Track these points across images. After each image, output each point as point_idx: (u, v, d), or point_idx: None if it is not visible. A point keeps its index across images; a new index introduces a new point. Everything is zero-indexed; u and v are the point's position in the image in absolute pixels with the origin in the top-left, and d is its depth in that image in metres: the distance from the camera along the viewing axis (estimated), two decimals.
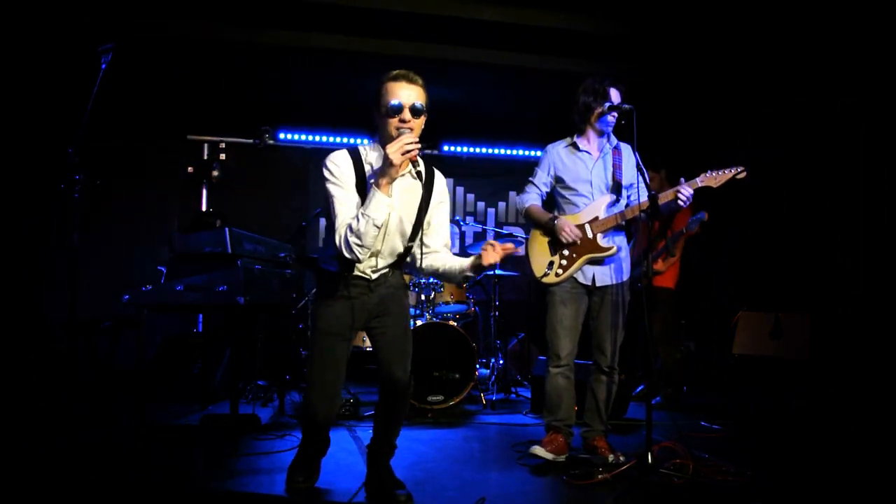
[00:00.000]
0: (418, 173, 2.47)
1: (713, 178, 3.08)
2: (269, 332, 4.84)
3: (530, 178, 3.36)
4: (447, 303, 4.67)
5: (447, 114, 6.46)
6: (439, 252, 2.61)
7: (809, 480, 2.96)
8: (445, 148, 6.56)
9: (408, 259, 2.59)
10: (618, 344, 3.18)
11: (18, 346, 4.19)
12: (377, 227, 2.31)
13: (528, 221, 3.37)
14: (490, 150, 6.73)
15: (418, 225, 2.52)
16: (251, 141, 6.15)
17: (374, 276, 2.52)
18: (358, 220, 2.32)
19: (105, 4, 4.46)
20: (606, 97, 3.12)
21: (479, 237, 6.74)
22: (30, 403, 3.85)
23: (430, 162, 2.62)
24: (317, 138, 6.34)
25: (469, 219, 6.64)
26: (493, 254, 2.36)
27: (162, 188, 6.03)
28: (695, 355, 5.60)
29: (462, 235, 6.63)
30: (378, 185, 2.30)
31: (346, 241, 2.33)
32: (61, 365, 4.03)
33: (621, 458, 3.02)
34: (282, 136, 6.26)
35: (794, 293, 4.93)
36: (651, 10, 4.74)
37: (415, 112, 2.37)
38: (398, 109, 2.35)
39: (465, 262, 2.49)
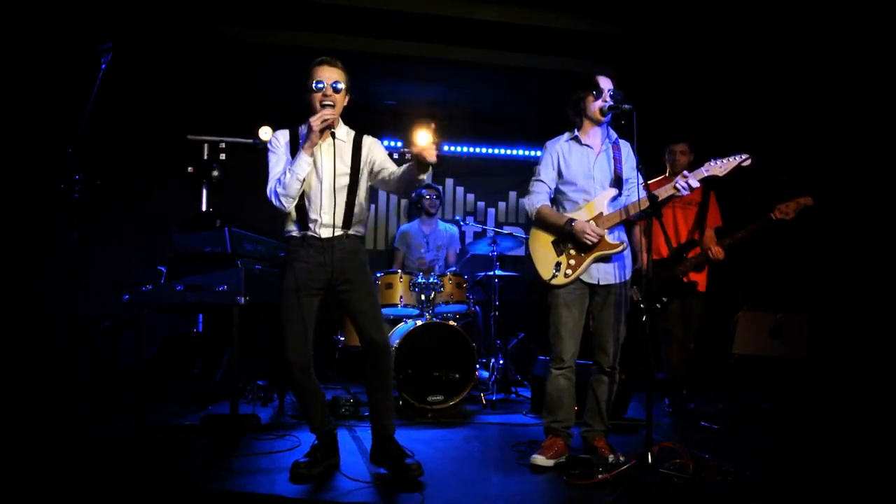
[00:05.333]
0: (354, 132, 2.97)
1: (718, 168, 3.04)
2: (269, 331, 4.83)
3: (536, 178, 3.25)
4: (447, 303, 4.67)
5: (447, 114, 6.48)
6: (389, 168, 2.97)
7: (809, 480, 2.96)
8: (445, 148, 6.55)
9: (354, 219, 2.93)
10: (619, 343, 3.16)
11: (19, 345, 4.19)
12: (299, 180, 2.79)
13: (539, 224, 3.24)
14: (490, 150, 6.73)
15: (354, 183, 2.93)
16: (251, 141, 6.15)
17: (326, 235, 2.88)
18: (285, 174, 2.80)
19: (105, 4, 4.46)
20: (595, 84, 3.11)
21: (479, 237, 6.74)
22: (30, 403, 3.85)
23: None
24: None
25: (469, 219, 6.64)
26: (421, 143, 2.59)
27: (162, 188, 6.03)
28: (695, 355, 5.59)
29: (462, 235, 6.62)
30: (303, 149, 2.79)
31: (274, 192, 2.82)
32: (61, 364, 4.03)
33: (621, 459, 3.01)
34: None
35: (793, 293, 4.92)
36: (651, 10, 4.74)
37: (335, 89, 2.83)
38: (321, 84, 2.81)
39: (406, 166, 2.77)
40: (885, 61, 4.44)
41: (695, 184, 3.00)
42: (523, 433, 3.77)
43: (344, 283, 2.89)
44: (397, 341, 4.27)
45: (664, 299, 4.07)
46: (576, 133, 3.23)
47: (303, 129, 2.95)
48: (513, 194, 6.84)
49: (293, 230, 2.92)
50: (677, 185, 3.02)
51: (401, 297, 4.58)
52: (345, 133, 2.96)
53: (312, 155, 2.82)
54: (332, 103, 2.81)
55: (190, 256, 3.71)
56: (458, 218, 6.53)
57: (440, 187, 5.90)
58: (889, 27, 4.20)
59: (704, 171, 3.06)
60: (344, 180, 2.91)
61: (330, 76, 2.83)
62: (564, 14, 4.82)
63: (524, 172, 3.42)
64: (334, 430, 3.01)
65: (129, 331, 3.80)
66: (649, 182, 4.07)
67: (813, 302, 4.65)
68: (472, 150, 6.69)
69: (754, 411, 4.39)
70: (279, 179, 2.82)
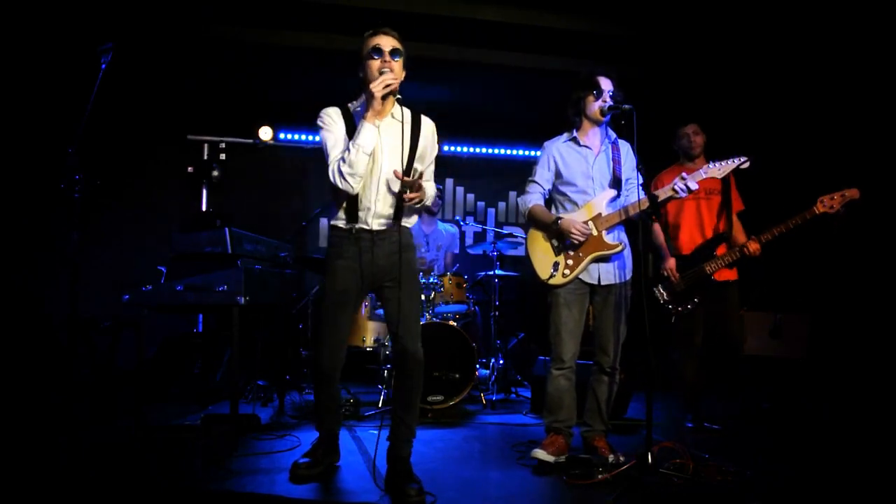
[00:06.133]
0: (410, 113, 2.71)
1: (717, 170, 3.07)
2: (269, 332, 4.84)
3: (531, 178, 3.29)
4: (447, 303, 4.67)
5: (447, 114, 6.46)
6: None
7: (809, 480, 2.96)
8: (445, 148, 6.56)
9: (406, 210, 2.72)
10: (620, 343, 3.16)
11: (19, 345, 4.18)
12: (366, 154, 2.55)
13: (531, 223, 3.29)
14: (490, 150, 6.74)
15: (409, 166, 2.69)
16: (251, 141, 6.15)
17: (378, 227, 2.68)
18: (349, 150, 2.55)
19: (105, 4, 4.46)
20: (595, 84, 3.11)
21: (480, 237, 6.74)
22: (30, 403, 3.85)
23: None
24: (317, 138, 6.29)
25: (469, 219, 6.64)
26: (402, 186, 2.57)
27: (162, 188, 6.04)
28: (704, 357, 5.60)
29: (462, 235, 6.63)
30: (365, 119, 2.56)
31: (339, 171, 2.57)
32: (61, 364, 4.03)
33: (621, 459, 3.01)
34: (282, 136, 6.26)
35: (793, 293, 4.92)
36: (651, 10, 4.74)
37: (394, 53, 2.61)
38: (379, 52, 2.59)
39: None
40: (872, 62, 4.44)
41: (693, 186, 3.01)
42: (523, 433, 3.77)
43: (390, 280, 2.71)
44: None
45: (696, 300, 3.81)
46: (574, 134, 3.23)
47: (354, 105, 2.76)
48: (513, 194, 6.85)
49: (340, 221, 2.72)
50: (676, 188, 3.02)
51: None
52: (401, 112, 2.70)
53: (377, 125, 2.58)
54: (391, 69, 2.58)
55: (190, 256, 3.71)
56: (457, 218, 6.53)
57: (441, 187, 5.91)
58: (886, 25, 4.20)
59: (703, 174, 3.08)
60: (398, 164, 2.65)
61: (388, 43, 2.61)
62: (564, 14, 4.82)
63: (524, 172, 3.41)
64: (338, 428, 3.01)
65: (129, 331, 3.80)
66: (663, 173, 3.94)
67: (813, 302, 4.65)
68: (472, 150, 6.70)
69: (754, 411, 4.39)
70: (342, 158, 2.57)
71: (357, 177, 2.57)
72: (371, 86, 2.53)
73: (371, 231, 2.69)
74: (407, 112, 2.71)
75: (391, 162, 2.65)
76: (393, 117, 2.70)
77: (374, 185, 2.65)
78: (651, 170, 3.05)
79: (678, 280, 3.83)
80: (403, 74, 2.67)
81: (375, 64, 2.59)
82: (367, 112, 2.56)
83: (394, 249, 2.68)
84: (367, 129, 2.55)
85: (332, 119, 2.69)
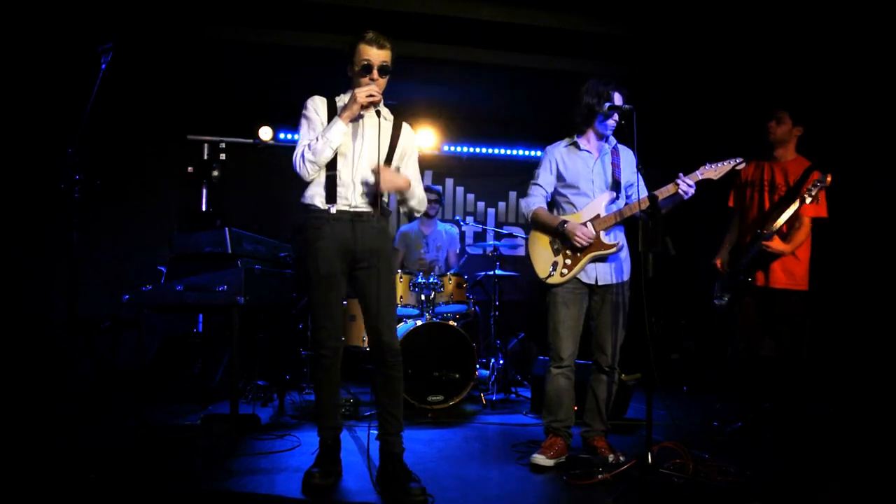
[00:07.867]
0: (393, 116, 2.87)
1: (713, 171, 3.09)
2: (269, 332, 4.84)
3: (533, 181, 3.33)
4: (447, 303, 4.67)
5: (447, 114, 6.48)
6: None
7: (810, 480, 2.96)
8: (445, 148, 6.55)
9: (384, 197, 2.82)
10: (619, 343, 3.18)
11: (19, 345, 4.19)
12: (332, 148, 2.67)
13: (535, 225, 3.32)
14: (490, 150, 6.73)
15: (388, 159, 2.82)
16: (251, 141, 6.15)
17: (356, 208, 2.74)
18: (317, 139, 2.68)
19: (105, 4, 4.46)
20: (611, 100, 3.14)
21: (479, 237, 6.74)
22: (30, 403, 3.85)
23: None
24: None
25: (469, 219, 6.64)
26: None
27: (162, 188, 6.03)
28: (695, 355, 5.60)
29: (462, 235, 6.62)
30: (340, 117, 2.68)
31: (302, 156, 2.71)
32: (61, 365, 4.03)
33: (621, 458, 3.02)
34: (282, 136, 6.26)
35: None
36: (651, 11, 4.74)
37: (382, 72, 2.71)
38: (369, 69, 2.69)
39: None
40: (874, 62, 4.44)
41: (685, 186, 3.02)
42: (523, 433, 3.77)
43: (365, 263, 2.74)
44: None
45: (727, 297, 3.75)
46: (575, 139, 3.29)
47: (342, 98, 2.82)
48: (513, 194, 6.84)
49: (318, 202, 2.75)
50: (679, 187, 3.03)
51: (401, 297, 4.58)
52: (386, 112, 2.85)
53: (348, 126, 2.69)
54: (378, 85, 2.70)
55: (190, 256, 3.71)
56: (457, 218, 6.53)
57: (440, 188, 5.90)
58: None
59: (699, 175, 3.11)
60: (381, 156, 2.74)
61: (379, 59, 2.68)
62: (564, 14, 4.82)
63: (524, 172, 3.44)
64: (340, 432, 2.89)
65: (130, 331, 3.81)
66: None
67: (813, 301, 4.63)
68: (472, 150, 6.69)
69: (755, 411, 4.38)
70: (309, 144, 2.69)
71: (316, 166, 2.70)
72: (356, 91, 2.65)
73: (350, 212, 2.74)
74: (390, 114, 2.87)
75: (370, 153, 2.75)
76: (380, 115, 2.81)
77: (354, 170, 2.74)
78: (651, 170, 3.06)
79: (724, 274, 3.85)
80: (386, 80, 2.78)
81: (364, 80, 2.70)
82: (344, 111, 2.67)
83: (373, 234, 2.75)
84: (337, 126, 2.67)
85: (315, 108, 2.79)
